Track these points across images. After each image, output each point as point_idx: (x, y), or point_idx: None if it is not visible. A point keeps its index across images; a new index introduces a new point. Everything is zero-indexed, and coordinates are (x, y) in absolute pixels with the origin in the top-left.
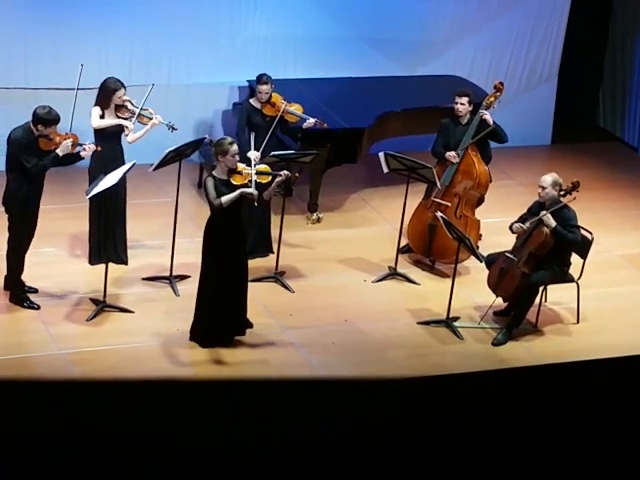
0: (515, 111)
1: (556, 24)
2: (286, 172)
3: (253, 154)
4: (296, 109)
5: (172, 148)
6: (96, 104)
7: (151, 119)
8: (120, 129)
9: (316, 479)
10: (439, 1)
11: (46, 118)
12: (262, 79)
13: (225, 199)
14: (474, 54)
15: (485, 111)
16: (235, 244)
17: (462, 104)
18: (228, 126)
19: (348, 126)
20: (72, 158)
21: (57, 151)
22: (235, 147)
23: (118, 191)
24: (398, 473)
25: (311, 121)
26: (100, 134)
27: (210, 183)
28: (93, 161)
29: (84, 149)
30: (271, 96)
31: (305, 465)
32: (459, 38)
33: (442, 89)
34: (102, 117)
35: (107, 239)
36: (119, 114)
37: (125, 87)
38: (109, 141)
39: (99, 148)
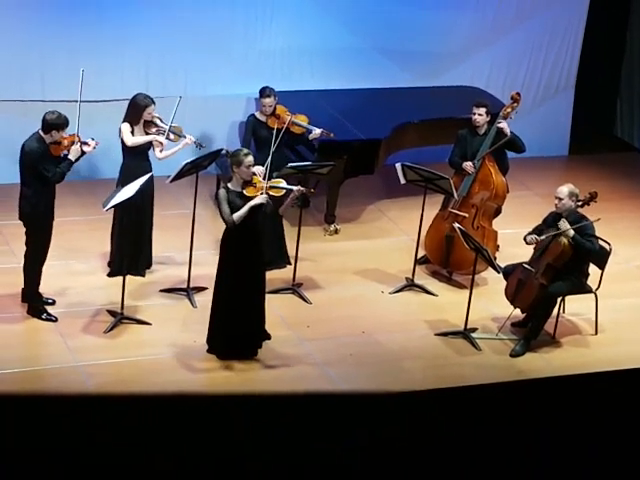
0: (532, 122)
1: (573, 34)
2: (299, 188)
3: (258, 169)
4: (301, 120)
5: (189, 160)
6: (125, 120)
7: (180, 136)
8: (149, 145)
9: None
10: (456, 12)
11: (59, 123)
12: (265, 92)
13: (237, 216)
14: (491, 64)
15: (502, 120)
16: (251, 255)
17: (480, 115)
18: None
19: (365, 137)
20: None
21: (70, 157)
22: (250, 158)
23: (145, 206)
24: None
25: (317, 132)
26: (129, 150)
27: (223, 197)
28: (122, 175)
29: (87, 144)
30: (275, 108)
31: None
32: (476, 49)
33: (459, 100)
34: (132, 134)
35: (133, 253)
36: (147, 130)
37: (155, 103)
38: (138, 157)
39: (98, 142)
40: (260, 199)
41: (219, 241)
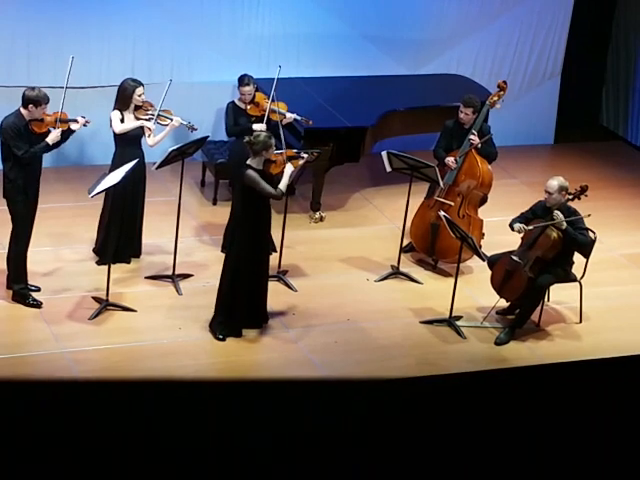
0: (518, 110)
1: (559, 23)
2: (309, 152)
3: None
4: (280, 107)
5: (175, 147)
6: (115, 108)
7: (170, 120)
8: (141, 132)
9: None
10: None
11: (35, 98)
12: (244, 80)
13: (283, 186)
14: (477, 52)
15: (473, 137)
16: (263, 237)
17: (466, 114)
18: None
19: (351, 125)
20: (64, 135)
21: (47, 140)
22: (273, 139)
23: (137, 194)
24: (399, 473)
25: (290, 116)
26: (121, 138)
27: (257, 176)
28: (114, 164)
29: (76, 121)
30: (254, 96)
31: (305, 465)
32: (462, 36)
33: (445, 88)
34: (122, 121)
35: (123, 241)
36: (138, 115)
37: (143, 85)
38: (130, 145)
39: (89, 121)
40: (290, 168)
41: (204, 227)
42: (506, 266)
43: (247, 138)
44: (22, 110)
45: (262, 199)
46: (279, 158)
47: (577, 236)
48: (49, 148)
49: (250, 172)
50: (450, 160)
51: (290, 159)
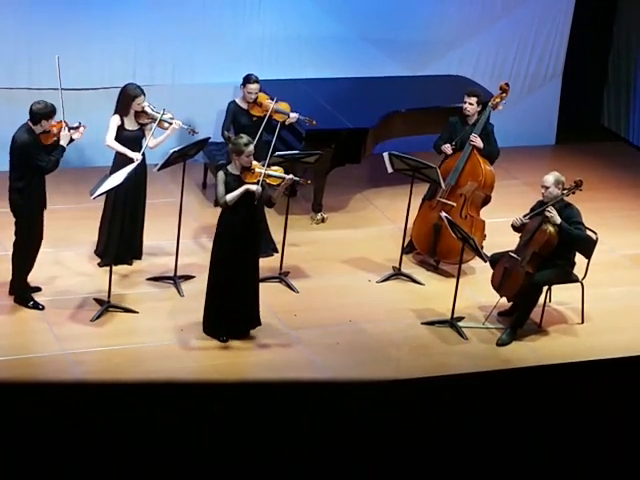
0: (519, 111)
1: (560, 24)
2: (292, 177)
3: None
4: (283, 107)
5: (176, 148)
6: (115, 112)
7: (170, 124)
8: (141, 134)
9: None
10: (443, 1)
11: (46, 112)
12: (251, 78)
13: (230, 197)
14: (478, 54)
15: (475, 137)
16: (247, 241)
17: (470, 104)
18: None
19: (352, 126)
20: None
21: (61, 143)
22: (251, 148)
23: (139, 196)
24: (401, 474)
25: (294, 116)
26: (121, 140)
27: (221, 178)
28: (114, 166)
29: (77, 131)
30: (257, 97)
31: (306, 467)
32: (463, 38)
33: (447, 89)
34: (121, 126)
35: (126, 242)
36: (139, 120)
37: (145, 93)
38: (130, 147)
39: (85, 125)
40: (255, 187)
41: (206, 229)
42: (505, 264)
43: (227, 134)
44: (32, 125)
45: (239, 201)
46: (257, 169)
47: (572, 230)
48: (64, 151)
49: (220, 173)
50: (446, 146)
51: (270, 176)
